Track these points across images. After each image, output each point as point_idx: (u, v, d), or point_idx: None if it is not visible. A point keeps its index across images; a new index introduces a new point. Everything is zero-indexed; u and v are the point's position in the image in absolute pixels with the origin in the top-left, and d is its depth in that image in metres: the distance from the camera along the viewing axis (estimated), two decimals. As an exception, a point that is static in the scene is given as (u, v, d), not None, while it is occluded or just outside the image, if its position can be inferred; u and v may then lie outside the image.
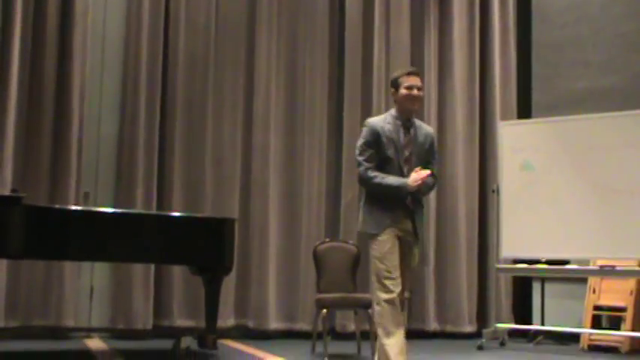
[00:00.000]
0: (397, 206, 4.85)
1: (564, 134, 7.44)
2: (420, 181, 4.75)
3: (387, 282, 4.78)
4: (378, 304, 4.82)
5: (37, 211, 5.65)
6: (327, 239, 7.22)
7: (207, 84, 7.91)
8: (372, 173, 4.87)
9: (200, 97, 7.89)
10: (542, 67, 8.77)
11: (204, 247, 6.31)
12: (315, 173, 8.16)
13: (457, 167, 8.45)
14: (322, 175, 8.16)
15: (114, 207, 7.16)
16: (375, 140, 4.92)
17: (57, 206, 6.43)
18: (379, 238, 4.84)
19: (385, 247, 4.82)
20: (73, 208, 6.45)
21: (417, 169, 4.81)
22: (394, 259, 4.81)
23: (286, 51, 8.30)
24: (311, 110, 8.25)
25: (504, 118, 8.42)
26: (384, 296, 4.78)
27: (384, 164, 4.89)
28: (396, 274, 4.79)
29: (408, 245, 4.90)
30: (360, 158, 4.95)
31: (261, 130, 8.04)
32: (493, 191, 7.80)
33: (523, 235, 7.44)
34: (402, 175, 4.83)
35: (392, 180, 4.81)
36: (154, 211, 7.36)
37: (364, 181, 4.94)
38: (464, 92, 8.62)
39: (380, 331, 4.79)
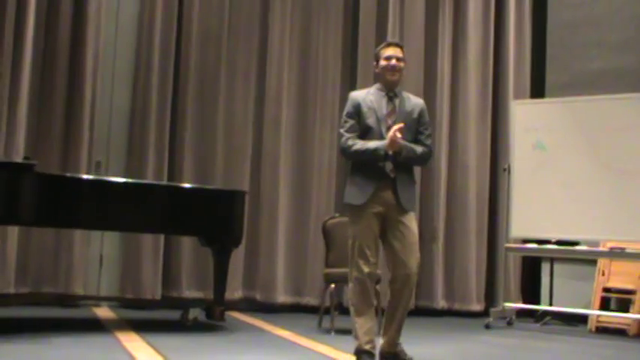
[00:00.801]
0: (379, 177, 4.76)
1: (577, 114, 7.39)
2: (392, 135, 4.67)
3: (360, 260, 4.75)
4: (350, 281, 4.81)
5: (48, 179, 5.66)
6: (337, 214, 7.21)
7: (221, 56, 7.90)
8: (351, 142, 4.82)
9: (213, 68, 7.87)
10: (556, 47, 8.70)
11: (214, 218, 6.33)
12: (326, 147, 8.15)
13: (469, 146, 8.42)
14: (333, 148, 8.13)
15: (125, 177, 7.17)
16: (356, 111, 4.87)
17: (68, 174, 6.45)
18: (357, 214, 4.79)
19: (361, 224, 4.76)
20: (85, 176, 6.47)
21: (394, 127, 4.74)
22: (369, 238, 4.75)
23: (300, 24, 8.27)
24: (324, 84, 8.24)
25: (517, 97, 8.37)
26: (355, 274, 4.77)
27: (365, 134, 4.83)
28: (370, 252, 4.75)
29: (391, 220, 4.79)
30: (341, 130, 4.92)
31: (273, 103, 8.03)
32: (504, 170, 7.76)
33: (533, 215, 7.42)
34: None
35: (370, 144, 4.76)
36: (164, 182, 7.37)
37: (344, 151, 4.89)
38: (477, 70, 8.57)
39: (351, 309, 4.82)
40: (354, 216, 4.80)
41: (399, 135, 4.67)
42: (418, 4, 8.48)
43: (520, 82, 8.65)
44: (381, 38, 8.24)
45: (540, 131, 7.49)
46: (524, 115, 7.64)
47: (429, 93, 8.25)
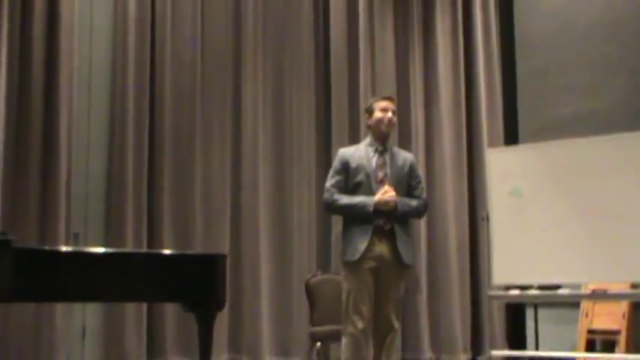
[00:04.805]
0: (372, 232, 4.75)
1: (551, 159, 7.45)
2: (385, 197, 4.68)
3: (354, 316, 4.73)
4: (344, 336, 4.79)
5: (27, 253, 5.61)
6: (319, 272, 7.21)
7: (195, 120, 7.91)
8: (336, 196, 4.83)
9: (188, 132, 7.88)
10: (527, 94, 8.82)
11: (196, 283, 6.26)
12: (305, 205, 8.16)
13: (446, 196, 8.47)
14: (312, 206, 8.15)
15: (104, 246, 7.12)
16: (344, 168, 4.89)
17: (47, 247, 6.40)
18: (350, 270, 4.78)
19: (355, 279, 4.75)
20: (64, 249, 6.42)
21: (386, 187, 4.75)
22: (363, 294, 4.73)
23: (273, 85, 8.33)
24: (299, 143, 8.27)
25: (492, 144, 8.45)
26: (349, 330, 4.75)
27: (355, 189, 4.83)
28: (365, 308, 4.72)
29: (385, 275, 4.79)
30: (327, 184, 4.95)
31: (250, 164, 8.04)
32: (483, 219, 7.80)
33: (514, 262, 7.41)
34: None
35: (357, 199, 4.76)
36: (144, 250, 7.33)
37: (329, 205, 4.91)
38: (450, 121, 8.66)
39: None
40: (349, 272, 4.79)
41: (392, 193, 4.69)
42: (388, 58, 8.59)
43: (494, 130, 8.75)
44: (353, 94, 8.36)
45: (516, 177, 7.52)
46: (499, 162, 7.69)
47: (403, 146, 8.28)
